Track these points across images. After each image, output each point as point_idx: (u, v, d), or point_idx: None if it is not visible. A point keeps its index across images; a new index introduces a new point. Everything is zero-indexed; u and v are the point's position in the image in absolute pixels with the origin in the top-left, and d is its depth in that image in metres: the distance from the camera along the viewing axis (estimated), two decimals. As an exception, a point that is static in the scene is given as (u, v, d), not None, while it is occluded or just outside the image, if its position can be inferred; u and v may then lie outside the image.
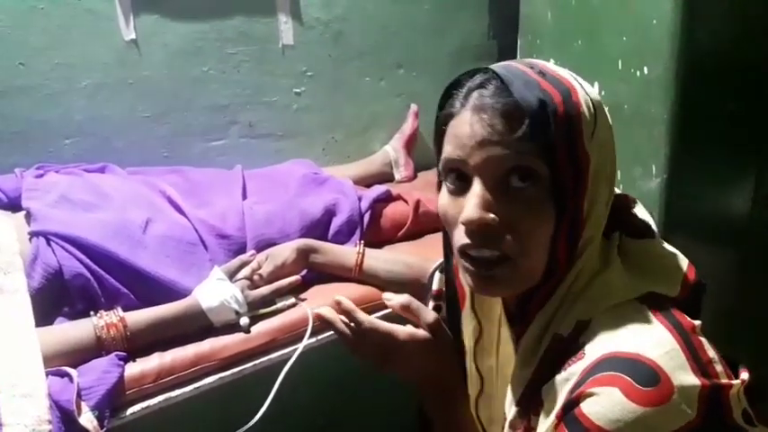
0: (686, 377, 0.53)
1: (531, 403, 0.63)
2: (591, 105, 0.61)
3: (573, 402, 0.55)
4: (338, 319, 0.78)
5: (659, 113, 1.18)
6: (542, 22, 1.49)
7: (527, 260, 0.61)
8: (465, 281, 0.65)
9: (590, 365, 0.56)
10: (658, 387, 0.52)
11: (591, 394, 0.54)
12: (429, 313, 0.74)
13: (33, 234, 1.10)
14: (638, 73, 1.21)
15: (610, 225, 0.66)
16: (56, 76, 1.42)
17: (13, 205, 1.22)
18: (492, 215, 0.59)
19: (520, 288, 0.64)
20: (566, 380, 0.58)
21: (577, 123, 0.59)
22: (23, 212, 1.17)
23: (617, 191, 0.69)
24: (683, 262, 0.66)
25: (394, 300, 0.75)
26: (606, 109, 0.66)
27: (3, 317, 0.99)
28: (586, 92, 0.62)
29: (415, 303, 0.75)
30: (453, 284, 0.82)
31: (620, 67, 1.25)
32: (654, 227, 0.69)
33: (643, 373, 0.53)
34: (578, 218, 0.61)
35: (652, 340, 0.55)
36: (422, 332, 0.73)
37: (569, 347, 0.60)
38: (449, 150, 0.63)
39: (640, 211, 0.70)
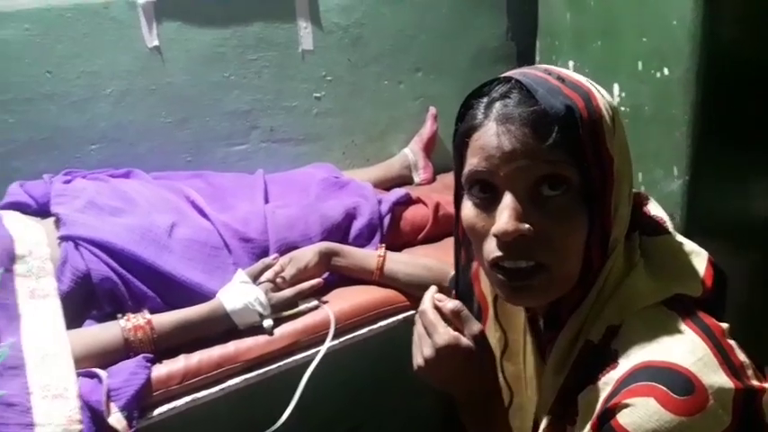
0: (720, 382, 0.53)
1: (565, 412, 0.63)
2: (609, 108, 0.62)
3: (608, 413, 0.55)
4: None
5: (680, 115, 1.18)
6: (561, 23, 1.49)
7: (563, 267, 0.61)
8: (499, 292, 0.65)
9: (624, 375, 0.56)
10: (694, 395, 0.52)
11: (626, 405, 0.53)
12: (475, 324, 0.73)
13: (62, 239, 1.13)
14: (658, 74, 1.21)
15: (629, 225, 0.66)
16: (81, 84, 1.45)
17: (43, 211, 1.25)
18: (527, 225, 0.59)
19: (556, 295, 0.63)
20: (601, 389, 0.58)
21: (600, 126, 0.60)
22: (53, 218, 1.20)
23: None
24: (702, 257, 0.65)
25: (445, 303, 0.73)
26: (622, 110, 0.67)
27: (36, 320, 1.01)
28: (603, 95, 0.63)
29: (465, 312, 0.73)
30: (470, 297, 0.81)
31: (640, 68, 1.25)
32: (668, 222, 0.69)
33: (678, 382, 0.53)
34: (607, 219, 0.61)
35: (685, 348, 0.55)
36: (465, 341, 0.71)
37: (601, 353, 0.60)
38: (474, 163, 0.61)
39: (654, 208, 0.70)
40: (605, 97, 0.63)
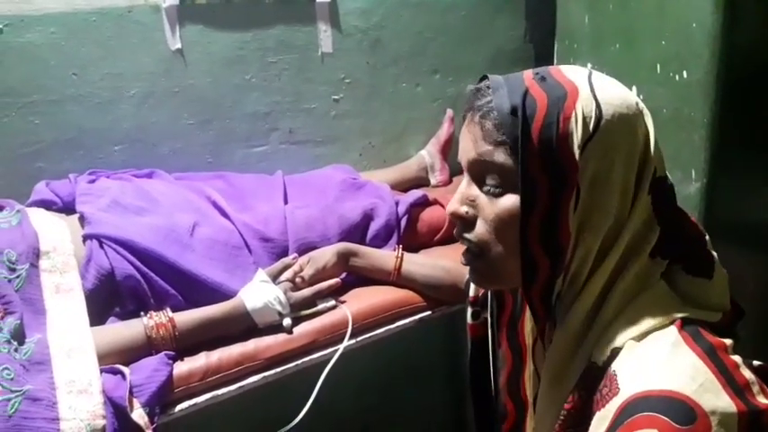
0: (723, 406, 0.53)
1: None
2: (594, 110, 0.61)
3: None
4: None
5: (699, 117, 1.17)
6: (579, 26, 1.49)
7: (497, 252, 0.66)
8: None
9: (624, 404, 0.56)
10: (696, 424, 0.52)
11: None
12: None
13: (87, 237, 1.15)
14: (677, 77, 1.21)
15: (663, 249, 0.64)
16: (106, 86, 1.48)
17: (67, 209, 1.27)
18: (465, 208, 0.68)
19: (500, 282, 0.73)
20: (604, 417, 0.58)
21: (561, 128, 0.60)
22: (76, 215, 1.22)
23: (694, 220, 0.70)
24: (727, 298, 0.66)
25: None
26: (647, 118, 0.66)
27: (61, 315, 1.04)
28: (596, 96, 0.61)
29: None
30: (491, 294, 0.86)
31: (658, 71, 1.25)
32: (716, 267, 0.67)
33: (679, 412, 0.52)
34: (555, 218, 0.61)
35: (685, 373, 0.55)
36: None
37: (602, 375, 0.60)
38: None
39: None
40: (599, 99, 0.61)
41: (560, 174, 0.60)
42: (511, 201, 0.64)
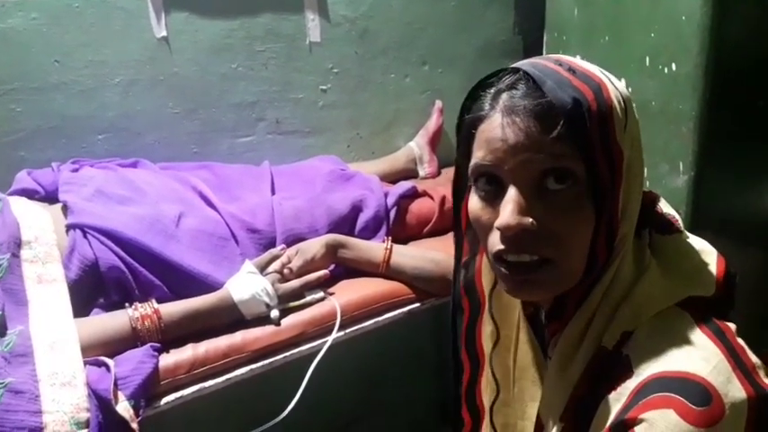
0: (734, 391, 0.53)
1: (582, 423, 0.62)
2: (621, 100, 0.61)
3: (624, 426, 0.54)
4: None
5: (687, 110, 1.18)
6: (569, 18, 1.49)
7: (567, 262, 0.60)
8: (502, 285, 0.64)
9: (639, 386, 0.55)
10: (711, 406, 0.51)
11: (644, 420, 0.52)
12: None
13: (70, 227, 1.13)
14: (665, 69, 1.21)
15: (639, 222, 0.65)
16: (89, 73, 1.45)
17: (50, 198, 1.25)
18: (530, 219, 0.58)
19: (560, 290, 0.63)
20: (616, 400, 0.57)
21: (610, 119, 0.58)
22: (59, 205, 1.20)
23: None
24: (713, 255, 0.65)
25: None
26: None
27: (43, 306, 1.02)
28: (615, 86, 0.62)
29: None
30: (474, 290, 0.80)
31: (647, 63, 1.25)
32: (680, 221, 0.68)
33: (695, 393, 0.52)
34: (615, 215, 0.60)
35: (699, 356, 0.55)
36: None
37: (613, 359, 0.60)
38: (480, 155, 0.61)
39: (665, 207, 0.70)
40: (618, 89, 0.62)
41: (614, 166, 0.59)
42: (580, 201, 0.58)
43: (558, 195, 0.58)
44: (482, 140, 0.61)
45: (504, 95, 0.60)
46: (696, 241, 0.67)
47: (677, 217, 0.69)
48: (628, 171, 0.61)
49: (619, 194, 0.60)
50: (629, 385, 0.56)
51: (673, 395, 0.52)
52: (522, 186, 0.59)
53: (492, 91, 0.62)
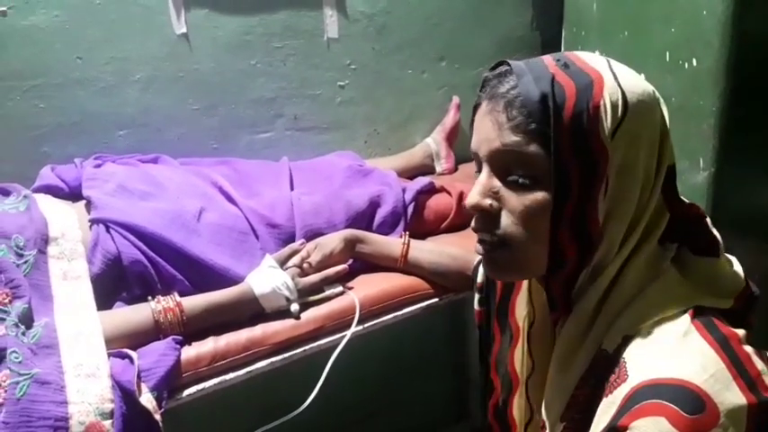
0: (733, 399, 0.52)
1: (582, 424, 0.63)
2: (620, 98, 0.60)
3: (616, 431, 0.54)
4: None
5: (707, 106, 1.17)
6: (587, 13, 1.48)
7: (522, 248, 0.64)
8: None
9: (632, 391, 0.55)
10: (704, 414, 0.51)
11: (636, 427, 0.53)
12: None
13: (93, 222, 1.15)
14: (686, 65, 1.20)
15: (671, 234, 0.65)
16: (110, 70, 1.47)
17: (74, 194, 1.27)
18: (489, 201, 0.65)
19: (523, 273, 0.69)
20: (611, 404, 0.58)
21: (592, 116, 0.59)
22: (83, 202, 1.22)
23: (686, 200, 0.68)
24: (741, 279, 0.65)
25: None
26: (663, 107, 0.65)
27: (68, 301, 1.03)
28: (620, 84, 0.61)
29: None
30: (494, 282, 0.86)
31: (667, 58, 1.24)
32: (721, 245, 0.68)
33: (688, 401, 0.52)
34: (586, 208, 0.60)
35: (696, 362, 0.55)
36: None
37: (612, 363, 0.60)
38: (471, 141, 0.68)
39: (711, 225, 0.69)
40: (624, 87, 0.61)
41: (592, 163, 0.59)
42: (541, 192, 0.61)
43: (520, 182, 0.63)
44: (473, 127, 0.68)
45: (492, 83, 0.65)
46: (733, 268, 0.67)
47: (719, 239, 0.68)
48: (620, 171, 0.61)
49: (596, 191, 0.60)
50: (623, 390, 0.57)
51: (665, 402, 0.52)
52: (492, 171, 0.65)
53: (489, 80, 0.67)
